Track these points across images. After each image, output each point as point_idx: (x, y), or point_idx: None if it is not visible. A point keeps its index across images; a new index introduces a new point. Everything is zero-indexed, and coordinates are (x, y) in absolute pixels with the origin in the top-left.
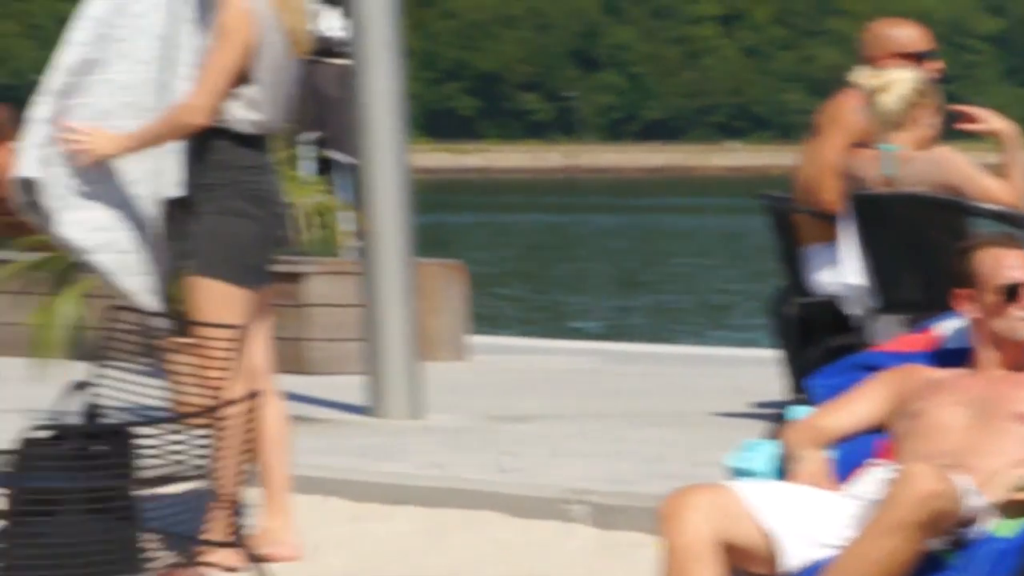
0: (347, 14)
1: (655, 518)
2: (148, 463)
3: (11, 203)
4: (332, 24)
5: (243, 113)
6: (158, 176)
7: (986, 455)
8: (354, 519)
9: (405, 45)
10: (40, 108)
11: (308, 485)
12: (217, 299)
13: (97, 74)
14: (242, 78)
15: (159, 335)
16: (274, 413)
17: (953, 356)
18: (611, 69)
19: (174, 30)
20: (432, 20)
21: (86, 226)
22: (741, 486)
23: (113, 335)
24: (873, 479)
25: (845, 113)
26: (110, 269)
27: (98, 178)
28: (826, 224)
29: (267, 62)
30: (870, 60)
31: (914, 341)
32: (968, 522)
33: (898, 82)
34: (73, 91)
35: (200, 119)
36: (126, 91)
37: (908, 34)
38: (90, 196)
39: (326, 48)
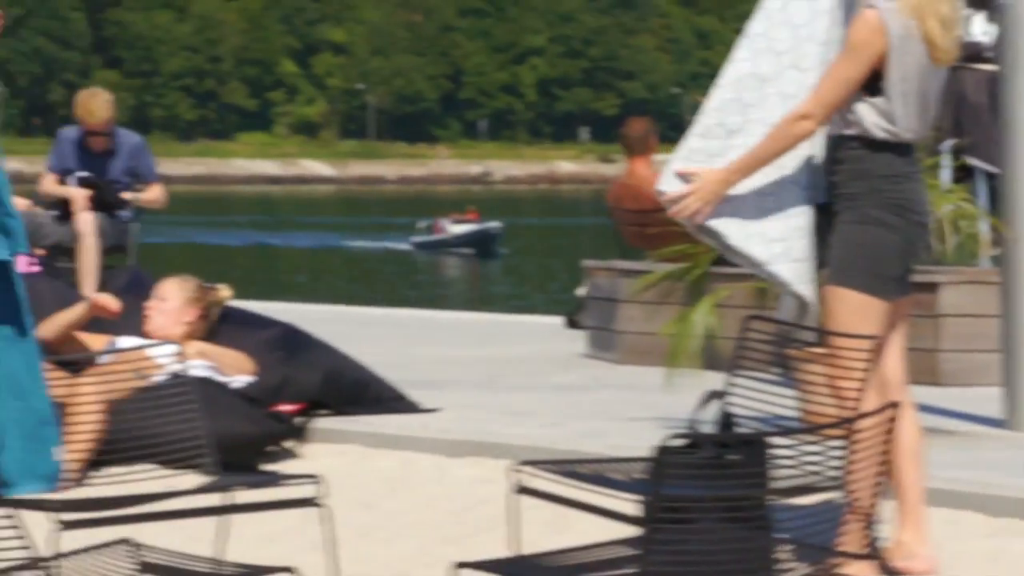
0: (993, 18)
1: None
2: (783, 473)
3: (647, 216)
4: (980, 29)
5: (881, 122)
6: (812, 183)
7: None
8: (990, 535)
9: None
10: (698, 124)
11: (942, 498)
12: (853, 309)
13: (765, 88)
14: (875, 88)
15: (793, 345)
16: (909, 425)
17: None
18: None
19: (836, 34)
20: None
21: (763, 238)
22: None
23: (747, 345)
24: None
25: None
26: (787, 279)
27: (764, 189)
28: None
29: (903, 72)
30: None
31: None
32: None
33: None
34: (736, 107)
35: (810, 127)
36: (793, 100)
37: None
38: (758, 207)
39: (973, 53)
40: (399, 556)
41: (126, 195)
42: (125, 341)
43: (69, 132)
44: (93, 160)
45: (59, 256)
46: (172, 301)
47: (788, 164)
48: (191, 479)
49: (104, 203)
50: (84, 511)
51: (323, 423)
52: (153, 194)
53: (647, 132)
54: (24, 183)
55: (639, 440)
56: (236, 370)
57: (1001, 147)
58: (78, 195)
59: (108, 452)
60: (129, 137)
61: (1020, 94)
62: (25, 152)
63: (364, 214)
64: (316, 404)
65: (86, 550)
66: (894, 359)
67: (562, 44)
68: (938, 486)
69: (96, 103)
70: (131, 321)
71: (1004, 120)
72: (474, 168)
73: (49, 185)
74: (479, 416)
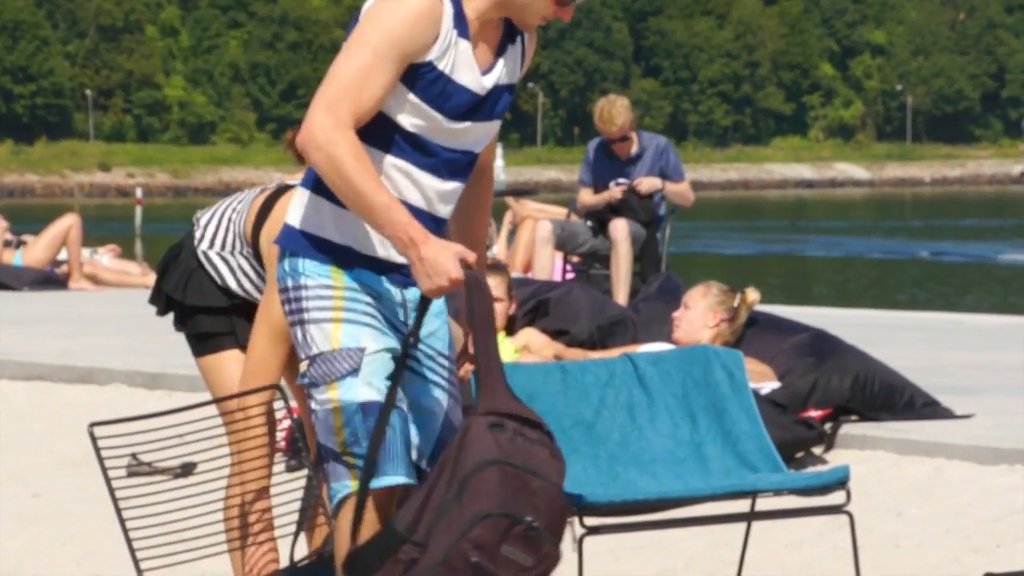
0: None
1: None
2: None
3: None
4: None
5: None
6: None
7: None
8: None
9: None
10: None
11: None
12: None
13: None
14: None
15: None
16: None
17: None
18: None
19: None
20: None
21: None
22: None
23: None
24: None
25: None
26: None
27: None
28: None
29: None
30: None
31: None
32: None
33: None
34: None
35: None
36: None
37: None
38: None
39: None
40: (927, 565)
41: (654, 182)
42: (651, 347)
43: (593, 144)
44: (621, 167)
45: (594, 263)
46: (696, 308)
47: None
48: None
49: (634, 207)
50: (608, 515)
51: (852, 429)
52: (680, 187)
53: None
54: (563, 192)
55: None
56: (759, 376)
57: None
58: (615, 193)
59: None
60: (653, 139)
61: None
62: (564, 161)
63: (899, 218)
64: (844, 409)
65: None
66: None
67: None
68: None
69: (613, 110)
70: (661, 328)
71: None
72: (1017, 168)
73: (586, 198)
74: (1015, 423)
